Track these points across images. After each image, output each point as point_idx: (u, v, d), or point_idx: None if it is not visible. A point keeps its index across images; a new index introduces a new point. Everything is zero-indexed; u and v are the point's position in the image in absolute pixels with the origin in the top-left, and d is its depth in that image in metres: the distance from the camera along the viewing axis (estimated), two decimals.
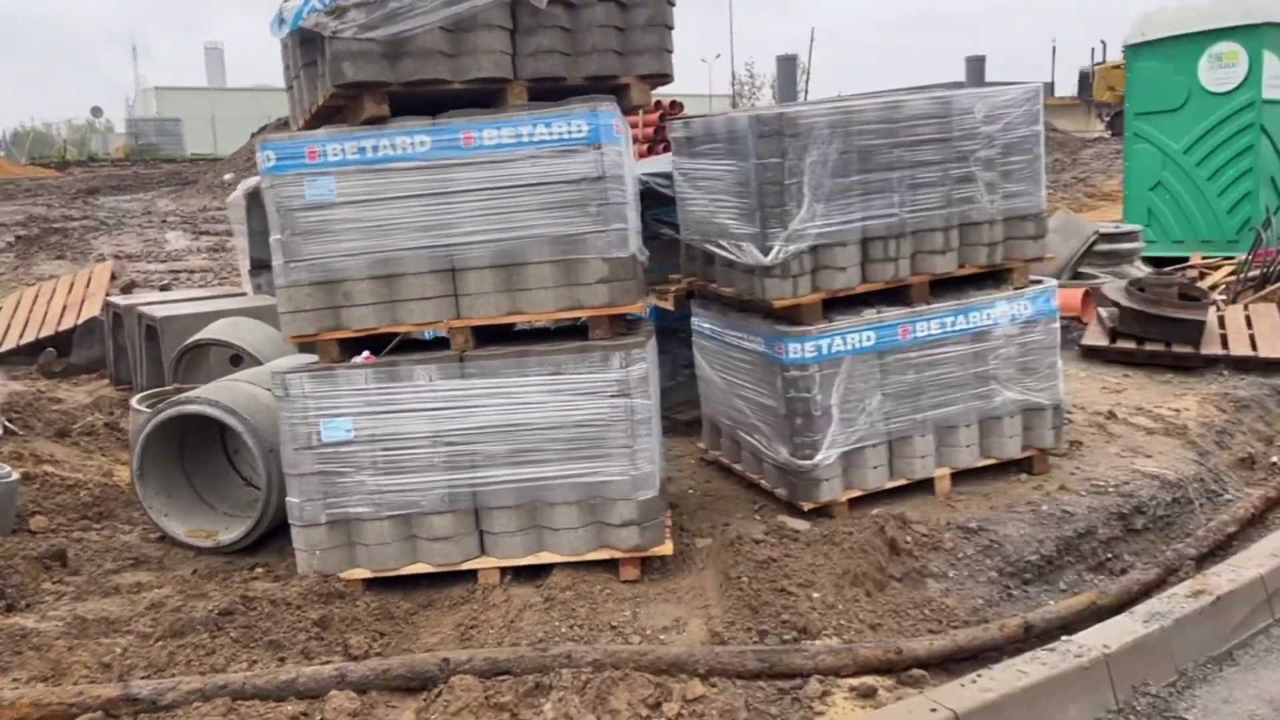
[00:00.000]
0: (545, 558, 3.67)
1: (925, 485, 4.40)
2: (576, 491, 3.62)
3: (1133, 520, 4.23)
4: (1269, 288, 7.75)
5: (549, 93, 3.76)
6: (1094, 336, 6.62)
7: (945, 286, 4.43)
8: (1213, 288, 8.40)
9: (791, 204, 4.00)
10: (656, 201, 5.32)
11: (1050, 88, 57.13)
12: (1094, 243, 7.97)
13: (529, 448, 3.59)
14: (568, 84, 3.81)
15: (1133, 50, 10.23)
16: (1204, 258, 9.66)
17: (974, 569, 3.81)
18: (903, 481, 4.37)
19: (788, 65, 20.17)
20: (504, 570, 3.69)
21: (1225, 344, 6.36)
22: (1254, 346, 6.24)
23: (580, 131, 3.55)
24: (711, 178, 4.38)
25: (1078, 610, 3.50)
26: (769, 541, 3.82)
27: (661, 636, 3.25)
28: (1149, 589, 3.69)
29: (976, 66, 23.95)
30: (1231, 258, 9.02)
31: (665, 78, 3.99)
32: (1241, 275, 8.28)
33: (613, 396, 3.57)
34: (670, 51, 3.98)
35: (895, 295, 4.34)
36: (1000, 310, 4.40)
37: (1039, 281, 4.59)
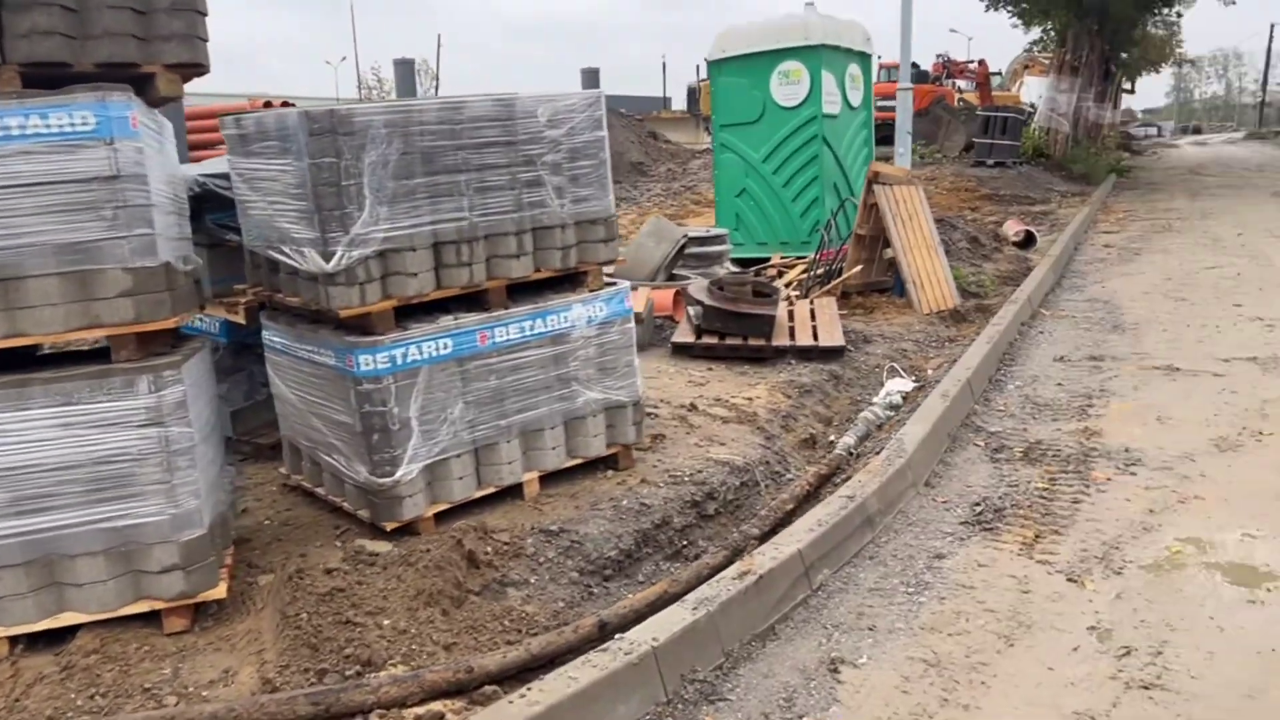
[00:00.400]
0: (69, 619, 3.16)
1: (515, 490, 4.36)
2: (103, 539, 3.14)
3: (705, 506, 4.45)
4: (831, 283, 8.67)
5: (55, 80, 3.24)
6: (682, 334, 7.01)
7: (523, 291, 4.42)
8: (789, 284, 9.26)
9: (352, 206, 3.76)
10: (220, 205, 4.85)
11: (665, 102, 61.30)
12: (684, 246, 8.48)
13: (37, 493, 3.06)
14: (76, 71, 3.32)
15: (715, 66, 11.05)
16: (783, 257, 10.67)
17: (556, 572, 3.80)
18: (491, 489, 4.29)
19: (405, 69, 19.76)
20: (14, 640, 3.12)
21: (793, 335, 6.99)
22: (816, 337, 6.91)
23: (86, 124, 3.09)
24: (268, 179, 4.03)
25: (651, 601, 3.59)
26: (341, 570, 3.56)
27: (205, 692, 2.89)
28: (717, 571, 3.88)
29: (591, 77, 24.93)
30: (804, 257, 10.02)
31: (199, 68, 3.59)
32: (811, 273, 9.21)
33: (142, 426, 3.14)
34: (204, 40, 3.59)
35: (474, 300, 4.25)
36: (577, 313, 4.46)
37: (613, 283, 4.70)
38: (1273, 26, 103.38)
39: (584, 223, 4.51)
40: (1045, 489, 4.45)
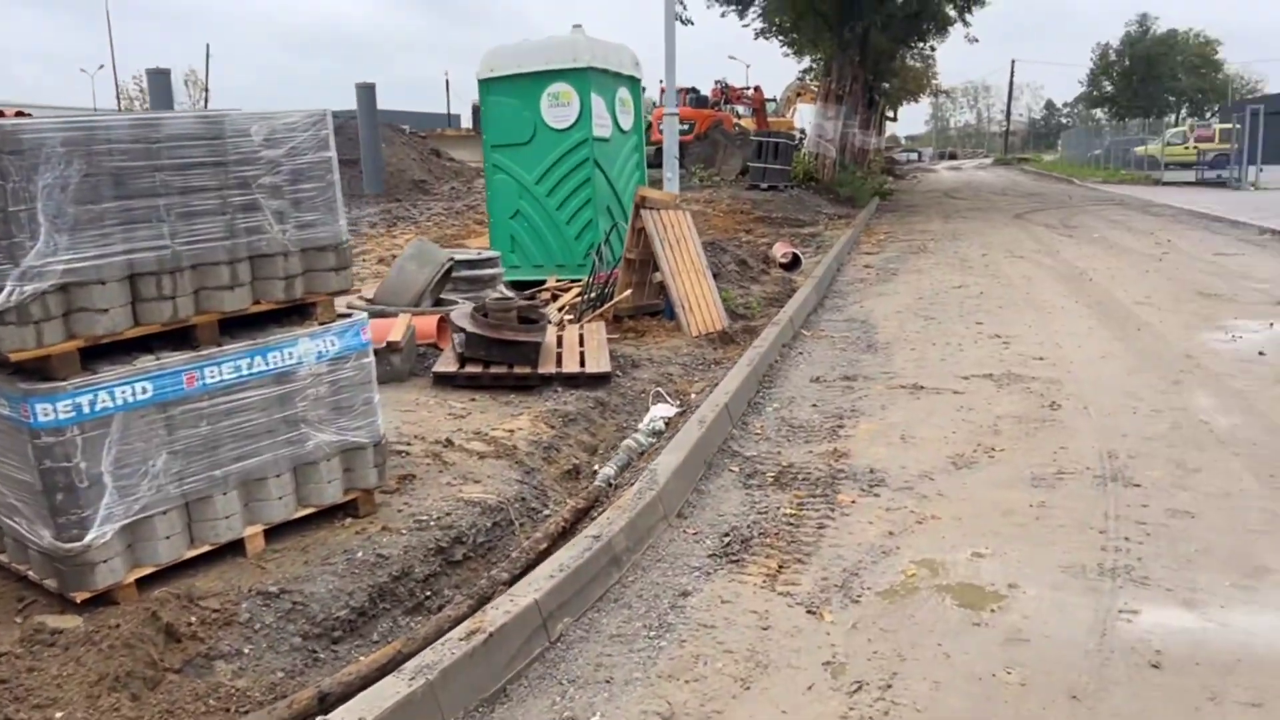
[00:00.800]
0: None
1: (238, 547, 3.95)
2: None
3: (453, 552, 4.20)
4: (603, 307, 8.61)
5: None
6: (445, 363, 6.71)
7: (242, 325, 4.02)
8: (563, 309, 9.14)
9: (23, 235, 3.28)
10: None
11: (451, 119, 60.49)
12: (450, 269, 8.18)
13: None
14: None
15: (485, 85, 10.82)
16: (558, 281, 10.55)
17: (274, 639, 3.43)
18: (207, 547, 3.86)
19: (160, 79, 18.36)
20: None
21: (560, 362, 6.84)
22: (583, 363, 6.80)
23: None
24: None
25: (381, 665, 3.29)
26: (11, 655, 3.07)
27: None
28: (459, 622, 3.63)
29: (366, 92, 24.09)
30: (580, 280, 9.93)
31: None
32: (585, 296, 9.12)
33: None
34: None
35: (181, 338, 3.82)
36: (305, 348, 4.10)
37: (347, 315, 4.38)
38: (1013, 62, 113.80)
39: (311, 250, 4.17)
40: (793, 515, 4.48)
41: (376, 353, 6.75)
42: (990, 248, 16.06)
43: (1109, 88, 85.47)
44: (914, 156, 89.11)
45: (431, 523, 4.29)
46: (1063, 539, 4.14)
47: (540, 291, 10.13)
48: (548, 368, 6.70)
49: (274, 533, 4.09)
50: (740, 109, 43.42)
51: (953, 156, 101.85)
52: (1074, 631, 3.36)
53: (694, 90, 42.47)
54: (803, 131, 35.13)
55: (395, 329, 6.74)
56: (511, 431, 5.67)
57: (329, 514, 4.31)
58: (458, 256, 8.82)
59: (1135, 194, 29.74)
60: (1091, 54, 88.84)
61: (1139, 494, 4.64)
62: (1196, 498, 4.57)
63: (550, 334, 7.42)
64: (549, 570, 3.54)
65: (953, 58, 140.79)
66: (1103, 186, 35.60)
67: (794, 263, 12.87)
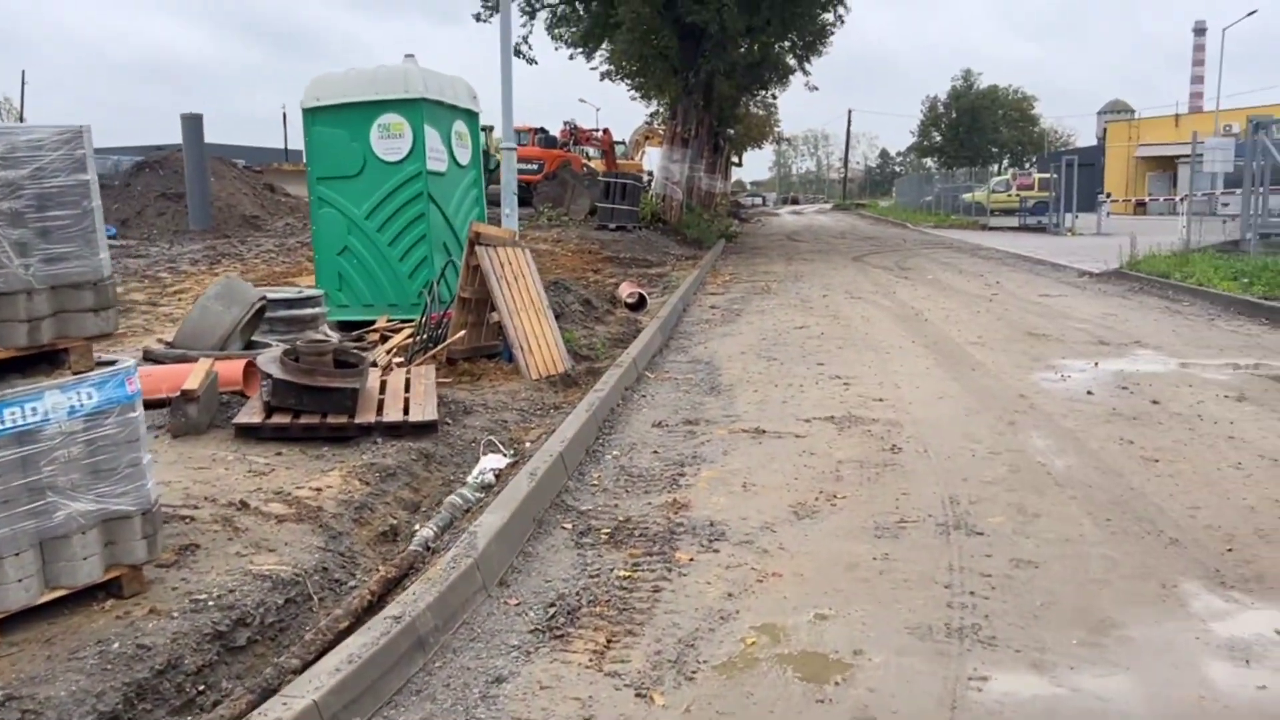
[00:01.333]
0: None
1: None
2: None
3: (235, 636, 3.63)
4: (434, 349, 8.10)
5: None
6: (249, 413, 6.07)
7: None
8: (393, 351, 8.57)
9: None
10: None
11: (289, 154, 58.38)
12: (262, 309, 7.53)
13: None
14: None
15: (310, 115, 10.20)
16: (389, 321, 9.97)
17: None
18: None
19: None
20: None
21: (381, 410, 6.30)
22: (407, 410, 6.28)
23: None
24: None
25: None
26: None
27: None
28: (241, 718, 3.09)
29: (192, 124, 22.79)
30: (413, 320, 9.38)
31: None
32: (417, 337, 8.59)
33: None
34: None
35: None
36: (53, 402, 3.48)
37: (110, 362, 3.78)
38: (850, 112, 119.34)
39: (63, 288, 3.57)
40: (627, 577, 4.11)
41: (171, 403, 6.09)
42: (831, 289, 16.32)
43: (938, 138, 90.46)
44: (758, 201, 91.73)
45: (211, 602, 3.71)
46: (908, 596, 3.92)
47: (369, 332, 9.53)
48: (367, 417, 6.15)
49: (13, 622, 3.43)
50: (590, 151, 43.62)
51: (795, 201, 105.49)
52: (923, 703, 3.10)
53: (543, 130, 42.41)
54: (650, 174, 35.47)
55: (192, 376, 6.06)
56: (319, 490, 5.10)
57: (87, 595, 3.67)
58: (273, 295, 8.16)
59: (964, 238, 31.21)
60: (922, 106, 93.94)
61: (982, 543, 4.49)
62: (1039, 545, 4.45)
63: (373, 379, 6.87)
64: (335, 662, 3.03)
65: (794, 106, 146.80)
66: (934, 231, 37.31)
67: (640, 303, 12.66)
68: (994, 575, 4.10)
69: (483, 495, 5.30)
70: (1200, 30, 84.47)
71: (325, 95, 10.13)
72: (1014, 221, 37.43)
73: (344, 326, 10.19)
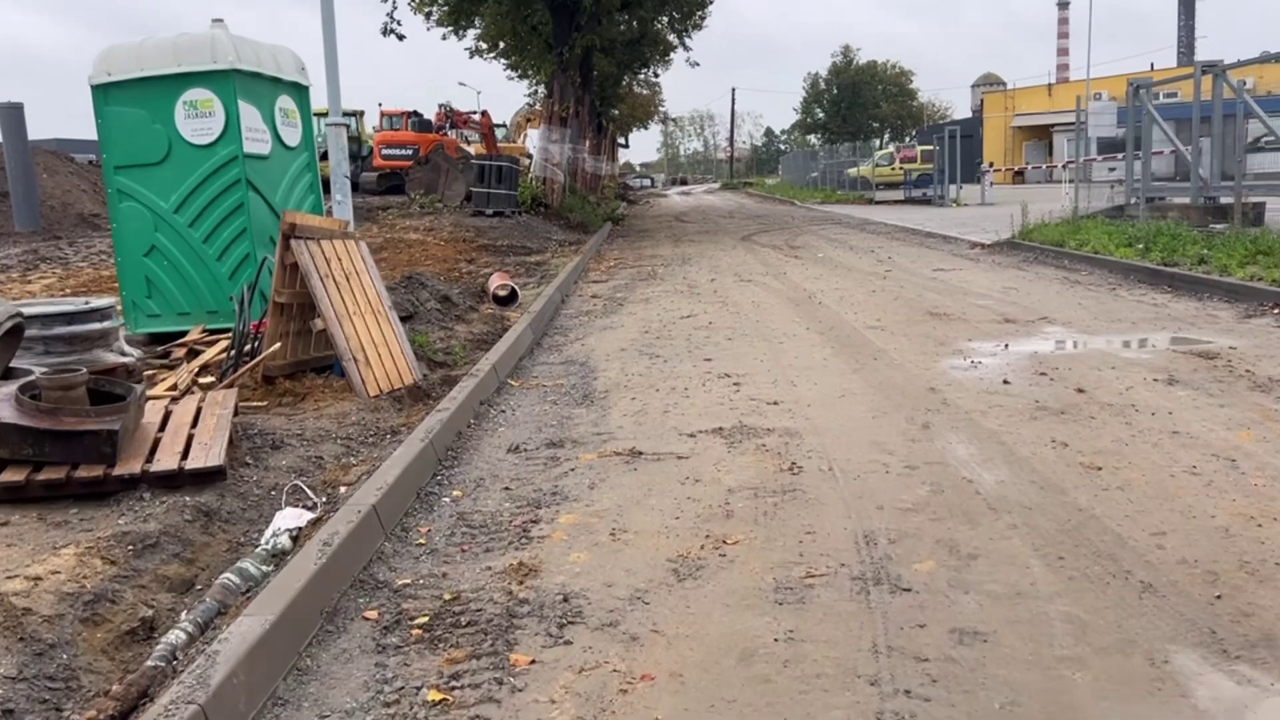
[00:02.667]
0: None
1: None
2: None
3: None
4: (241, 370, 6.75)
5: None
6: None
7: None
8: (202, 369, 7.17)
9: None
10: None
11: None
12: (17, 327, 6.05)
13: None
14: None
15: (101, 93, 8.62)
16: (206, 331, 8.52)
17: None
18: None
19: None
20: None
21: (155, 453, 4.97)
22: (187, 454, 4.96)
23: None
24: None
25: None
26: None
27: None
28: None
29: (12, 115, 20.44)
30: (231, 330, 7.96)
31: None
32: (231, 351, 7.22)
33: None
34: None
35: None
36: None
37: None
38: (734, 90, 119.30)
39: None
40: (440, 702, 2.94)
41: None
42: (719, 272, 15.37)
43: (821, 115, 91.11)
44: (647, 183, 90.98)
45: None
46: (823, 705, 2.86)
47: (177, 346, 8.07)
48: (133, 465, 4.81)
49: None
50: (470, 134, 41.94)
51: (683, 182, 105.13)
52: None
53: (416, 114, 40.55)
54: (530, 156, 34.05)
55: None
56: (37, 580, 3.77)
57: None
58: (43, 309, 6.66)
59: (852, 213, 30.80)
60: (804, 84, 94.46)
61: (912, 605, 3.47)
62: (983, 604, 3.45)
63: (153, 412, 5.52)
64: None
65: (679, 86, 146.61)
66: (821, 207, 36.94)
67: (511, 296, 11.43)
68: (932, 660, 3.08)
69: (273, 568, 4.06)
70: (1063, 4, 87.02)
71: (119, 69, 8.58)
72: (899, 195, 37.37)
73: (156, 340, 8.71)
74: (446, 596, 3.68)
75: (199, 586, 4.12)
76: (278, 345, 6.78)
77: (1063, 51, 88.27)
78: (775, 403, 6.48)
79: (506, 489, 4.98)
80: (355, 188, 36.54)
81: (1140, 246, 13.67)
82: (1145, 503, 4.38)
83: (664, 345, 8.99)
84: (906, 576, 3.70)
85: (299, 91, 9.52)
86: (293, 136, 9.35)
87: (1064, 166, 30.58)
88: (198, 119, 8.50)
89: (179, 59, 8.46)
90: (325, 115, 37.27)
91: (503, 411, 6.66)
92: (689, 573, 3.82)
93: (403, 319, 9.10)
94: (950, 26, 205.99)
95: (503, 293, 11.50)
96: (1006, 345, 8.23)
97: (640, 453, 5.42)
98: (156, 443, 5.11)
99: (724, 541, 4.12)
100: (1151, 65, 58.48)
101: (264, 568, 4.09)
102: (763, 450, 5.40)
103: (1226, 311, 9.60)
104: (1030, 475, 4.81)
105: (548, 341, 9.69)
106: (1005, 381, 6.84)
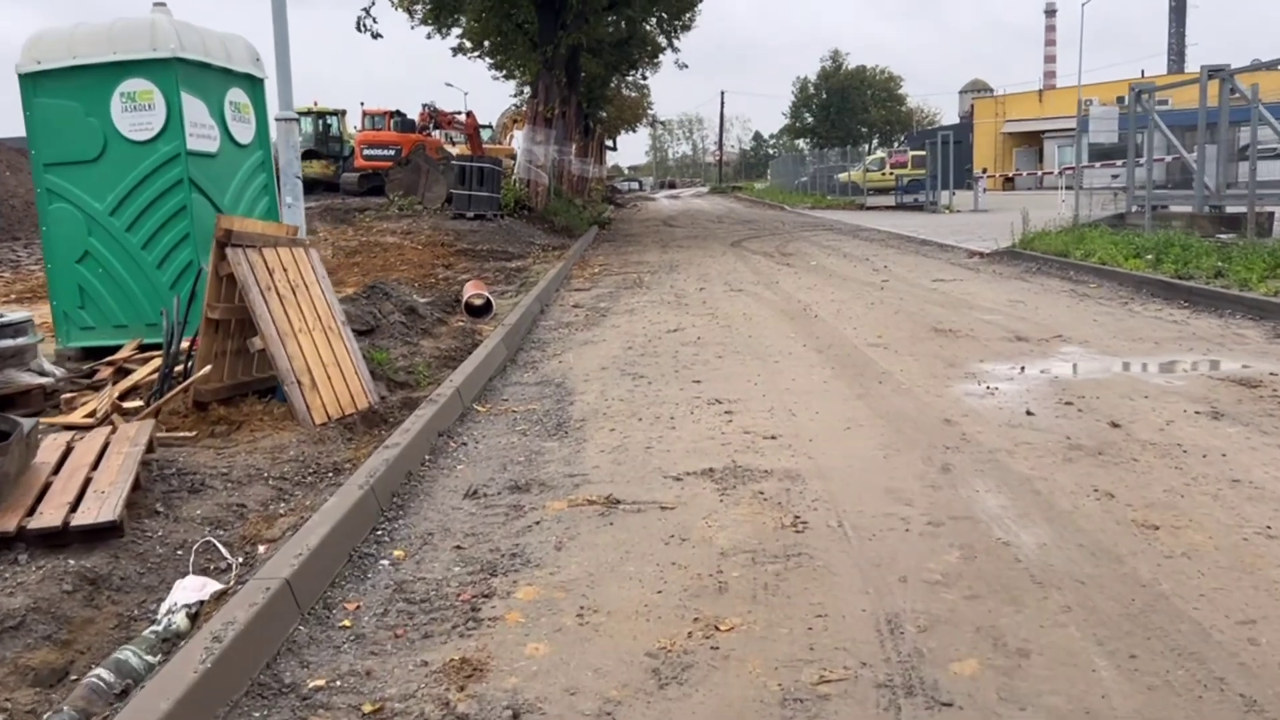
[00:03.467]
0: None
1: None
2: None
3: None
4: (168, 395, 5.96)
5: None
6: None
7: None
8: (121, 395, 6.38)
9: None
10: None
11: None
12: None
13: None
14: None
15: (29, 82, 7.81)
16: (144, 346, 7.72)
17: None
18: None
19: None
20: None
21: (39, 504, 4.19)
22: (76, 505, 4.18)
23: None
24: None
25: None
26: None
27: None
28: None
29: None
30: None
31: None
32: (164, 372, 6.43)
33: None
34: None
35: None
36: None
37: None
38: (723, 94, 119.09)
39: None
40: None
41: None
42: (708, 280, 14.63)
43: (810, 119, 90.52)
44: (635, 186, 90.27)
45: None
46: None
47: (104, 365, 7.27)
48: (8, 520, 4.02)
49: None
50: (455, 135, 41.15)
51: (672, 185, 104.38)
52: None
53: (399, 114, 39.70)
54: (515, 158, 33.27)
55: None
56: None
57: None
58: None
59: (843, 219, 30.14)
60: (793, 88, 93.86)
61: None
62: None
63: (52, 449, 4.74)
64: None
65: (668, 90, 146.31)
66: (812, 212, 36.27)
67: (485, 307, 10.66)
68: None
69: (159, 658, 3.29)
70: (1051, 11, 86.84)
71: (49, 57, 7.78)
72: (890, 200, 36.72)
73: (90, 354, 7.91)
74: (367, 709, 2.92)
75: (74, 677, 3.35)
76: (208, 368, 5.99)
77: (1050, 59, 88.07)
78: (773, 436, 5.73)
79: (458, 548, 4.21)
80: (335, 189, 35.84)
81: (1150, 258, 12.99)
82: (1220, 576, 3.65)
83: (649, 363, 8.24)
84: (944, 683, 2.95)
85: (253, 84, 8.72)
86: (245, 133, 8.55)
87: (1061, 173, 29.98)
88: (136, 112, 7.71)
89: (115, 46, 7.66)
90: (307, 114, 36.53)
91: (464, 445, 5.89)
92: (673, 674, 3.07)
93: (363, 333, 8.34)
94: (935, 32, 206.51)
95: (478, 302, 10.74)
96: (1022, 368, 7.51)
97: (618, 501, 4.66)
98: (46, 489, 4.33)
99: (716, 627, 3.36)
100: (1142, 72, 58.14)
101: (150, 658, 3.32)
102: (760, 499, 4.65)
103: (1253, 330, 8.91)
104: (1077, 536, 4.07)
105: (523, 357, 8.92)
106: (1028, 413, 6.12)
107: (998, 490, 4.68)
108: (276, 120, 7.59)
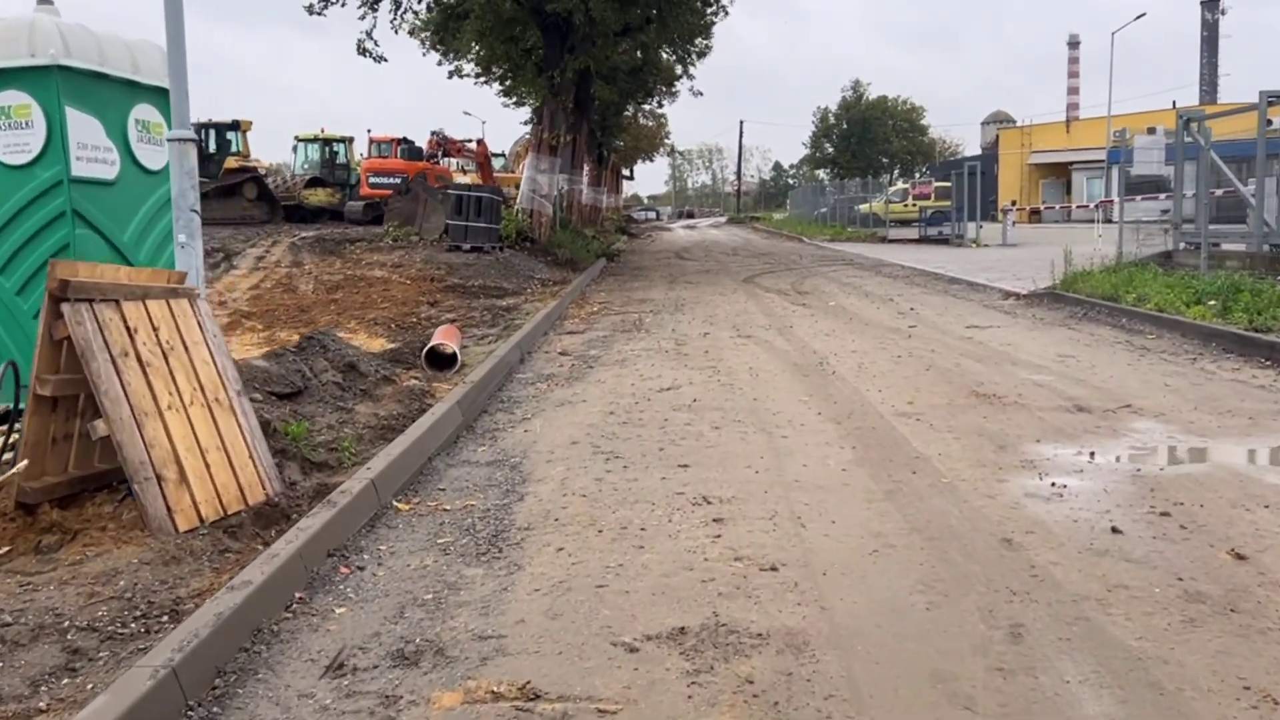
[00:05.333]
0: None
1: None
2: None
3: None
4: None
5: None
6: None
7: None
8: None
9: None
10: None
11: None
12: None
13: None
14: None
15: None
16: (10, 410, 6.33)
17: None
18: None
19: None
20: None
21: None
22: None
23: None
24: None
25: None
26: None
27: None
28: None
29: None
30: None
31: None
32: (8, 444, 5.05)
33: None
34: None
35: None
36: None
37: None
38: (742, 123, 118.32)
39: None
40: None
41: None
42: (715, 322, 13.17)
43: (830, 149, 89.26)
44: (651, 215, 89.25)
45: None
46: None
47: None
48: None
49: None
50: (464, 164, 40.08)
51: (689, 215, 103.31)
52: None
53: (406, 141, 38.62)
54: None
55: None
56: None
57: None
58: None
59: (864, 252, 28.69)
60: (813, 118, 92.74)
61: None
62: None
63: None
64: None
65: (686, 120, 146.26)
66: (831, 244, 34.84)
67: (451, 359, 9.23)
68: None
69: None
70: (1074, 44, 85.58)
71: None
72: (913, 233, 35.23)
73: None
74: None
75: None
76: (25, 464, 4.57)
77: (1073, 90, 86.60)
78: (773, 568, 4.24)
79: None
80: (341, 217, 34.69)
81: (1213, 304, 11.45)
82: None
83: (630, 436, 6.78)
84: None
85: (167, 100, 7.38)
86: (155, 158, 7.19)
87: (1098, 206, 28.42)
88: (10, 130, 6.38)
89: None
90: (310, 140, 35.32)
91: (359, 570, 4.42)
92: None
93: (285, 397, 6.93)
94: (952, 63, 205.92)
95: (444, 352, 9.31)
96: (1092, 454, 6.01)
97: (536, 696, 3.17)
98: None
99: None
100: (1174, 103, 56.46)
101: None
102: (747, 695, 3.15)
103: None
104: None
105: (484, 423, 7.49)
106: (1114, 529, 4.61)
107: (1098, 683, 3.18)
108: (169, 140, 6.23)
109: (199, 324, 5.47)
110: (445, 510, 5.28)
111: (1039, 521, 4.77)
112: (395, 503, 5.36)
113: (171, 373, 5.08)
